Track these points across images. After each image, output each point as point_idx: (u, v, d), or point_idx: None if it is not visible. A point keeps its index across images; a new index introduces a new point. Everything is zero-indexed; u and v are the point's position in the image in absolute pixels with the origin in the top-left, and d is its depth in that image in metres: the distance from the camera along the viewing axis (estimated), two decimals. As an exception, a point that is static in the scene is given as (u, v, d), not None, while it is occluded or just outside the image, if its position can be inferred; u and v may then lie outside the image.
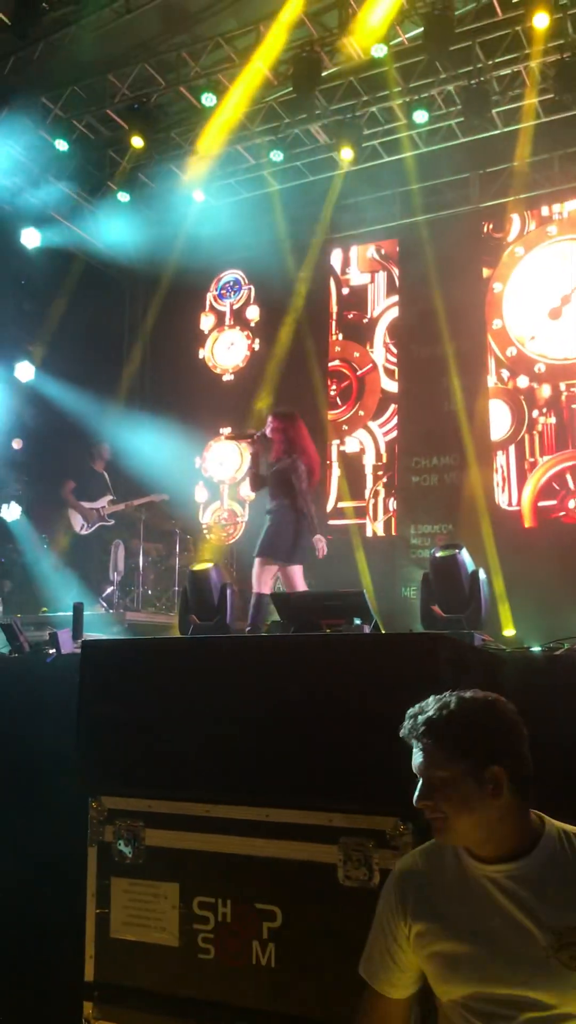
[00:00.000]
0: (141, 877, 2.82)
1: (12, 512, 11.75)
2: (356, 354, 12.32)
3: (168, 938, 2.75)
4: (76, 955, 2.90)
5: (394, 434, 11.90)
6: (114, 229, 12.73)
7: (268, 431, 7.38)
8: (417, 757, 2.17)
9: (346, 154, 10.62)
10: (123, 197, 11.90)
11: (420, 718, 2.17)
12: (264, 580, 6.96)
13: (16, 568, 11.56)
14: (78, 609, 5.04)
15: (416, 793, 2.14)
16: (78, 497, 10.03)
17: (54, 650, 4.47)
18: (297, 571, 7.17)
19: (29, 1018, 3.60)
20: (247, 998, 2.62)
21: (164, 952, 2.76)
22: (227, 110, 10.55)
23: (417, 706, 2.19)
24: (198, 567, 5.92)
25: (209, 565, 5.84)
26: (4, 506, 11.75)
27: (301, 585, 7.12)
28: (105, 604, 9.49)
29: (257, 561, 7.07)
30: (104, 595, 9.66)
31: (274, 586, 7.07)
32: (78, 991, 2.88)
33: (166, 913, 2.78)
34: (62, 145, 10.91)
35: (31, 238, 11.99)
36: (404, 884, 2.21)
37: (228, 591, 5.72)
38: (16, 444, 12.13)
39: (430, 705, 2.18)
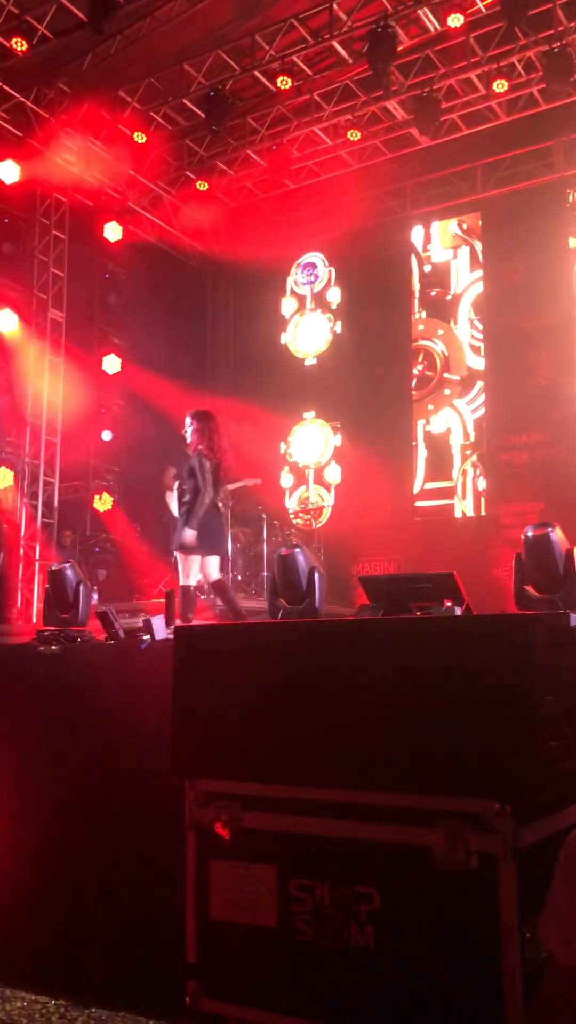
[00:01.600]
0: (238, 859, 2.85)
1: (104, 502, 12.01)
2: (440, 331, 12.15)
3: (266, 919, 2.78)
4: (177, 936, 2.95)
5: (482, 411, 11.71)
6: (194, 218, 12.83)
7: (187, 431, 7.69)
8: None
9: (423, 129, 10.44)
10: (202, 186, 11.97)
11: None
12: (189, 572, 7.36)
13: (110, 557, 11.83)
14: (170, 596, 5.11)
15: None
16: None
17: (148, 636, 4.54)
18: (213, 561, 7.49)
19: (135, 997, 3.69)
20: (346, 979, 2.63)
21: (263, 933, 2.78)
22: (302, 92, 10.52)
23: None
24: (285, 551, 5.93)
25: (296, 549, 5.83)
26: (96, 497, 12.01)
27: (215, 575, 7.46)
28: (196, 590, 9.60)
29: (179, 555, 7.44)
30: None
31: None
32: (181, 971, 2.93)
33: (264, 895, 2.80)
34: (141, 137, 11.02)
35: (113, 232, 12.18)
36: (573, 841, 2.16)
37: (316, 574, 5.71)
38: (106, 436, 12.38)
39: None
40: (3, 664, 4.40)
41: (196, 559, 7.45)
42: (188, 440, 7.69)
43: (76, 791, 4.07)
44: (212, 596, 9.24)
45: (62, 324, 11.66)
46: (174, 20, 9.54)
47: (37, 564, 10.68)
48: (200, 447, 7.57)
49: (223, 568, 7.82)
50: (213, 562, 7.56)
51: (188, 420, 7.80)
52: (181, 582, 7.43)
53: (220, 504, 7.69)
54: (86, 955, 3.90)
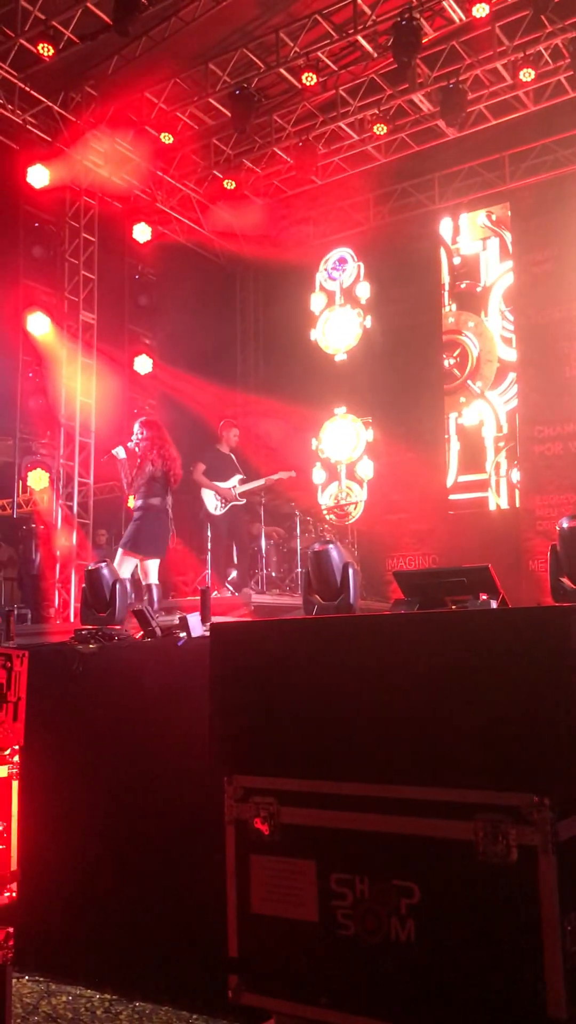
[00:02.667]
0: (278, 854, 2.87)
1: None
2: (471, 324, 12.08)
3: (307, 914, 2.79)
4: (218, 931, 2.98)
5: (514, 403, 11.63)
6: (222, 217, 12.87)
7: (140, 438, 8.34)
8: None
9: (450, 121, 10.39)
10: (229, 184, 12.00)
11: None
12: (125, 570, 7.93)
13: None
14: (205, 593, 5.14)
15: None
16: (210, 478, 9.90)
17: (184, 634, 4.57)
18: (154, 564, 8.16)
19: (178, 992, 3.73)
20: (388, 973, 2.63)
21: (304, 927, 2.80)
22: (328, 88, 10.51)
23: None
24: (319, 547, 5.95)
25: (330, 545, 5.84)
26: (131, 497, 12.09)
27: (155, 578, 8.13)
28: (231, 588, 9.64)
29: (120, 552, 8.09)
30: (229, 579, 9.81)
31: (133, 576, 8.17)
32: (222, 965, 2.95)
33: (304, 890, 2.81)
34: (168, 138, 11.07)
35: (142, 233, 12.25)
36: None
37: (350, 570, 5.70)
38: (138, 436, 12.45)
39: None
40: (42, 663, 4.45)
41: (132, 560, 8.11)
42: (138, 449, 8.24)
43: (117, 788, 4.11)
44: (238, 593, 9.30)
45: (93, 326, 11.74)
46: (198, 19, 9.57)
47: (74, 564, 10.79)
48: (151, 456, 8.15)
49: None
50: (153, 565, 8.14)
51: (138, 428, 8.41)
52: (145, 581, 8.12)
53: (169, 509, 8.42)
54: (129, 950, 3.95)
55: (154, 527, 8.19)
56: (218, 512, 9.80)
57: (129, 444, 8.46)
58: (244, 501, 9.92)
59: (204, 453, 10.06)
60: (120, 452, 8.40)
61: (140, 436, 8.30)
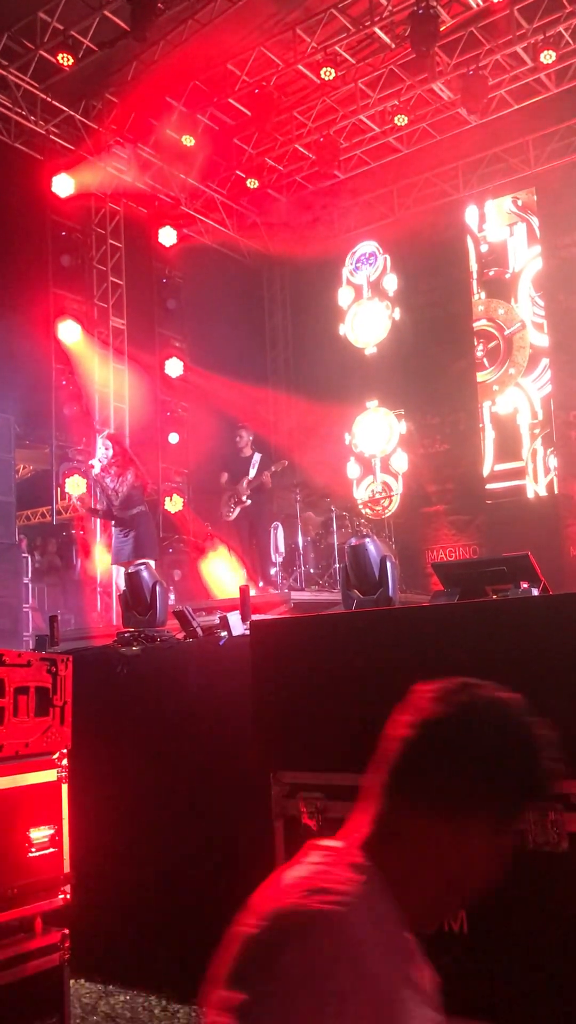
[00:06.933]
0: (327, 849, 2.87)
1: (175, 503, 12.16)
2: (501, 311, 11.98)
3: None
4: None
5: (548, 389, 11.52)
6: (246, 216, 12.89)
7: (111, 453, 8.58)
8: None
9: (472, 108, 10.30)
10: (252, 183, 12.01)
11: None
12: None
13: (183, 557, 11.97)
14: (244, 592, 5.16)
15: None
16: (229, 484, 10.15)
17: (225, 633, 4.59)
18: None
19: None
20: (443, 964, 2.63)
21: (356, 921, 2.80)
22: (347, 81, 10.47)
23: None
24: (356, 542, 5.94)
25: (367, 539, 5.83)
26: (167, 499, 12.16)
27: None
28: (270, 585, 9.65)
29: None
30: (272, 572, 9.83)
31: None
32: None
33: (355, 883, 2.82)
34: (189, 140, 11.11)
35: (168, 236, 12.30)
36: None
37: (388, 563, 5.69)
38: (173, 438, 12.52)
39: None
40: (87, 667, 4.49)
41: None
42: (112, 465, 8.53)
43: (164, 787, 4.14)
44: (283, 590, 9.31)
45: (124, 331, 11.82)
46: (215, 21, 9.57)
47: (113, 568, 10.88)
48: (130, 466, 8.54)
49: None
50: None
51: (104, 443, 8.72)
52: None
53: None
54: (182, 951, 3.97)
55: (152, 532, 8.70)
56: (233, 517, 10.01)
57: (97, 460, 8.76)
58: (249, 502, 9.97)
59: (226, 459, 10.25)
60: (96, 467, 8.71)
61: (109, 451, 8.65)
